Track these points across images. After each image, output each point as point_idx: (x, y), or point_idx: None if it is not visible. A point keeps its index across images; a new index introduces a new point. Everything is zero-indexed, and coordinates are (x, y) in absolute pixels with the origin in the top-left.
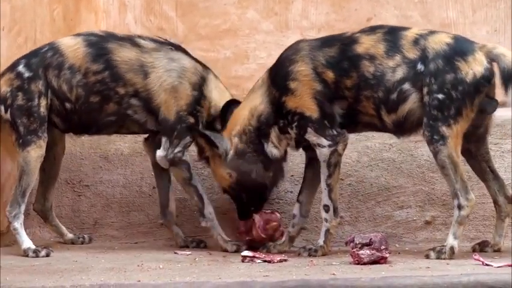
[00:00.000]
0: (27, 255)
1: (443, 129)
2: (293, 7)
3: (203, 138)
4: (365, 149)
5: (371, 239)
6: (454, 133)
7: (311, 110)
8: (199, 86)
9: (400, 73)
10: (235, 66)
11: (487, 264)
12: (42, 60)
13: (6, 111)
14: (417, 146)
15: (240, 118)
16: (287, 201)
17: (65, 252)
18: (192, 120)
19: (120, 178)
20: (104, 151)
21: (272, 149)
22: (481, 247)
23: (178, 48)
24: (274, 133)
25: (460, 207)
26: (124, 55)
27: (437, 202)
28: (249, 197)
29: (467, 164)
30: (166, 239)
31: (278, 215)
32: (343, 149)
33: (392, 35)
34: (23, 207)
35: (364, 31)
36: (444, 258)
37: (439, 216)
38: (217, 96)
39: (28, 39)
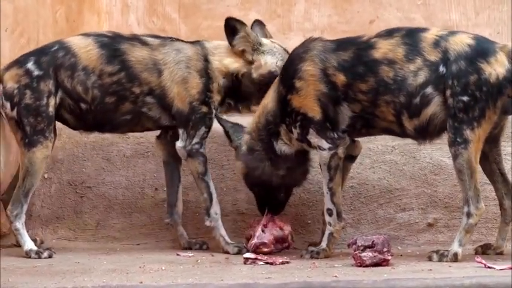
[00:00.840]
0: (29, 257)
1: (467, 132)
2: (295, 9)
3: (224, 129)
4: (367, 151)
5: (373, 241)
6: (476, 137)
7: (314, 111)
8: (205, 71)
9: (422, 77)
10: None
11: (489, 267)
12: (53, 59)
13: (12, 109)
14: (419, 148)
15: (255, 115)
16: (288, 204)
17: (67, 254)
18: (205, 109)
19: (122, 179)
20: (106, 152)
21: (282, 146)
22: (484, 250)
23: (176, 39)
24: (283, 131)
25: (469, 215)
26: (137, 55)
27: (439, 204)
28: (258, 193)
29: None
30: (168, 240)
31: (288, 229)
32: (344, 153)
33: (411, 37)
34: (25, 208)
35: (380, 35)
36: (446, 262)
37: (441, 218)
38: (220, 63)
39: (31, 41)
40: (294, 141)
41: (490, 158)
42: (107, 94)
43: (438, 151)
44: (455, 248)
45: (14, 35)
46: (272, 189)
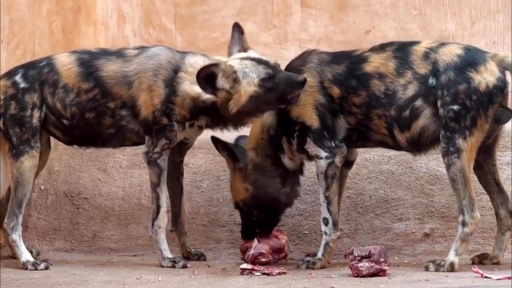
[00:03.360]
0: (26, 268)
1: (460, 141)
2: (292, 20)
3: (226, 151)
4: (364, 162)
5: (370, 251)
6: (469, 146)
7: (312, 119)
8: (170, 81)
9: (411, 90)
10: None
11: (486, 277)
12: (39, 74)
13: None
14: (416, 158)
15: (254, 132)
16: (286, 214)
17: (64, 265)
18: (165, 121)
19: (118, 191)
20: (102, 164)
21: (288, 161)
22: (480, 259)
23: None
24: (286, 145)
25: (464, 224)
26: (109, 69)
27: (436, 214)
28: (260, 215)
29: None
30: None
31: (284, 239)
32: (341, 162)
33: (402, 51)
34: (20, 219)
35: (374, 49)
36: (443, 271)
37: (438, 228)
38: (190, 87)
39: (27, 52)
40: (296, 156)
41: (485, 168)
42: (85, 110)
43: (434, 161)
44: (452, 257)
45: (10, 46)
46: (277, 208)
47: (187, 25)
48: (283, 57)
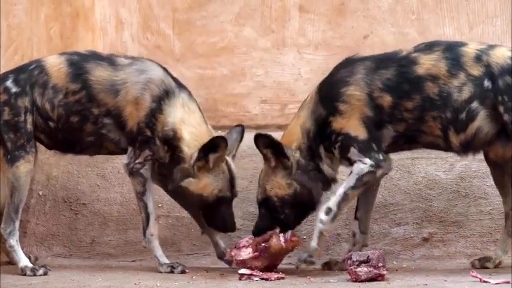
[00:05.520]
0: (24, 274)
1: None
2: (290, 25)
3: (274, 148)
4: None
5: (368, 256)
6: None
7: (358, 131)
8: (159, 99)
9: (467, 92)
10: (232, 83)
11: (484, 281)
12: (30, 77)
13: None
14: (414, 163)
15: (294, 135)
16: None
17: (62, 271)
18: (148, 133)
19: (117, 196)
20: (100, 169)
21: (327, 168)
22: (482, 263)
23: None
24: (323, 153)
25: None
26: (98, 74)
27: (434, 219)
28: (290, 214)
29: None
30: None
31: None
32: (381, 176)
33: (451, 52)
34: (17, 224)
35: (420, 49)
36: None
37: (436, 233)
38: (179, 115)
39: (25, 58)
40: (335, 164)
41: (505, 171)
42: (71, 113)
43: (433, 165)
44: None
45: (8, 52)
46: (308, 211)
47: (185, 30)
48: (281, 63)
